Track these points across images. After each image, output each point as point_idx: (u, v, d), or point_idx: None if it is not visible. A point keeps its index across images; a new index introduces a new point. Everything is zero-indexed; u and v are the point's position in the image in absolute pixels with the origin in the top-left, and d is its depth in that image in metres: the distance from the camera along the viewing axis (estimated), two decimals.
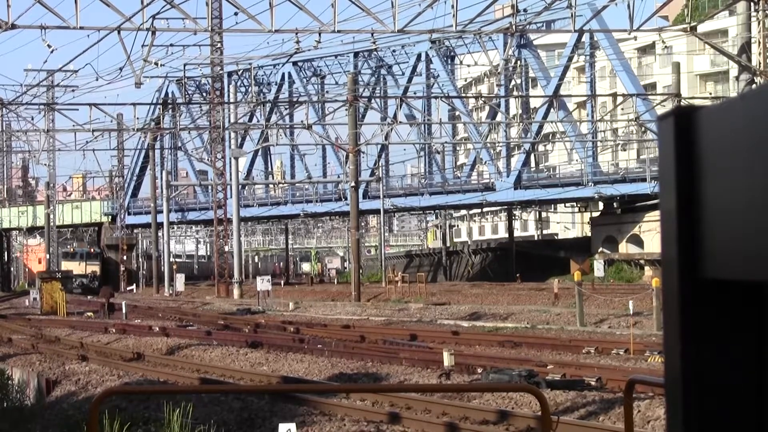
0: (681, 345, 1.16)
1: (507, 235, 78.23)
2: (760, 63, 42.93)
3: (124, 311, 41.28)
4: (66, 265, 79.68)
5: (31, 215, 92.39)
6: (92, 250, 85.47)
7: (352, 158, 53.43)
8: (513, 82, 70.15)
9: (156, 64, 43.03)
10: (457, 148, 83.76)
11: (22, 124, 75.15)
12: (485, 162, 70.55)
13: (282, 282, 71.28)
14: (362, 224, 78.68)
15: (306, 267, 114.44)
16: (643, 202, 59.33)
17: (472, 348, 25.05)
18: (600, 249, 63.55)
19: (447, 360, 18.95)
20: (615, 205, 62.66)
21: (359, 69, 76.38)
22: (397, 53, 75.51)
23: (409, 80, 72.00)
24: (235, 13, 38.56)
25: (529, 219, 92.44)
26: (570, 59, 65.20)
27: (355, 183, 53.12)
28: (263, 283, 49.29)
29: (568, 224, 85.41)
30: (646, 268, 56.72)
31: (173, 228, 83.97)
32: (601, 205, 66.42)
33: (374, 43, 45.97)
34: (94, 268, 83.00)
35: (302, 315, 41.28)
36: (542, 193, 65.43)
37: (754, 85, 34.47)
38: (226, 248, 66.60)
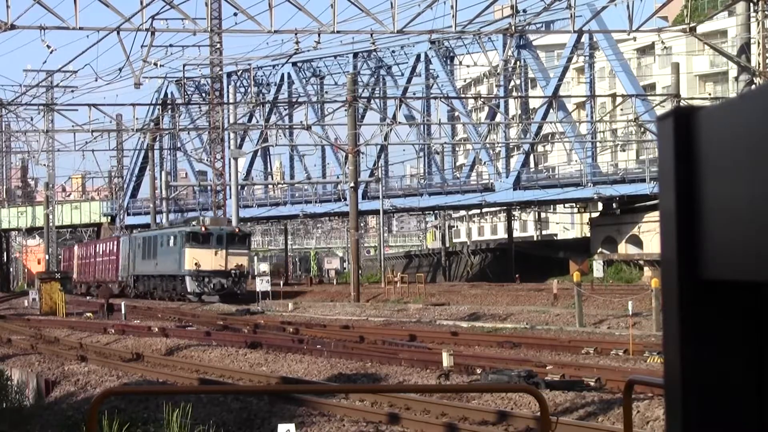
0: (681, 345, 1.16)
1: (506, 236, 78.21)
2: (759, 63, 42.95)
3: (123, 312, 41.30)
4: (192, 255, 54.93)
5: (31, 216, 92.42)
6: (238, 230, 56.83)
7: (352, 159, 53.41)
8: (512, 83, 70.15)
9: (155, 64, 43.08)
10: (457, 149, 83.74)
11: (22, 125, 75.32)
12: (484, 162, 70.56)
13: (281, 282, 71.24)
14: (361, 225, 78.66)
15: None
16: (642, 202, 59.33)
17: (471, 348, 25.03)
18: (599, 249, 63.55)
19: (446, 360, 18.93)
20: (614, 205, 62.62)
21: (358, 69, 76.38)
22: (396, 54, 75.54)
23: (409, 81, 71.98)
24: (235, 14, 38.65)
25: (528, 219, 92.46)
26: (569, 60, 65.19)
27: (354, 183, 53.10)
28: (262, 284, 49.27)
29: (567, 225, 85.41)
30: (646, 268, 56.70)
31: None
32: (600, 206, 66.40)
33: (373, 43, 45.98)
34: (241, 260, 56.05)
35: (301, 315, 41.28)
36: (541, 193, 65.40)
37: (753, 86, 34.47)
38: None
